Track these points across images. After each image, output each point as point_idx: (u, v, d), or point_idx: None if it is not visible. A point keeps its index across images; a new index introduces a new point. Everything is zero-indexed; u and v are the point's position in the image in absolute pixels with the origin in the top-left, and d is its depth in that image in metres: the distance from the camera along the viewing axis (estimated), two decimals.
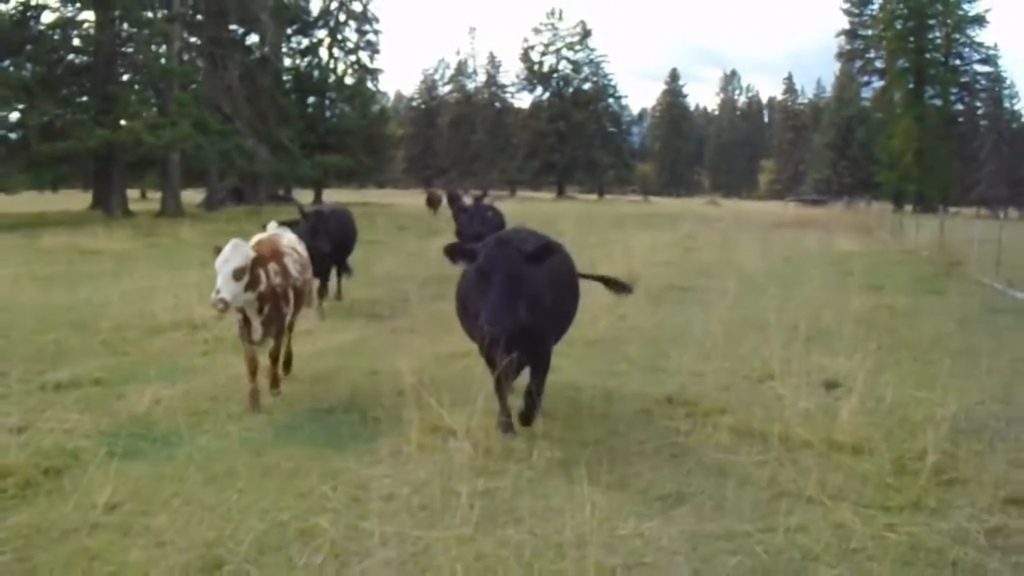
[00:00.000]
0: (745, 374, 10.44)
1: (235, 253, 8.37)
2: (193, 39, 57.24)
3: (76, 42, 49.94)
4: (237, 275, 8.30)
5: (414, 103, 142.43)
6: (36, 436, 7.66)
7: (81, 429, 8.03)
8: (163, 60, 50.00)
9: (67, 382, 9.84)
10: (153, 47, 50.72)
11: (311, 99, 75.81)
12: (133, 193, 65.12)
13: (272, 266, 9.04)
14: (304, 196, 71.03)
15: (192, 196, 62.37)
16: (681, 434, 8.07)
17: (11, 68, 47.67)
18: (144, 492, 6.48)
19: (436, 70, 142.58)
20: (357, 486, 6.39)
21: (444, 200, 44.28)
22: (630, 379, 10.34)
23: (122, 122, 46.38)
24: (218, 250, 8.51)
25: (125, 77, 51.84)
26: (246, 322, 8.93)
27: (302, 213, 14.89)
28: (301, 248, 10.38)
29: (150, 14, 49.57)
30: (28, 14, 48.97)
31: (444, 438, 7.48)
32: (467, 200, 24.46)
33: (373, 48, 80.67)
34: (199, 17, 57.85)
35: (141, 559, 5.33)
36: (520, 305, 7.07)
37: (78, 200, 60.83)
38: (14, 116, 47.31)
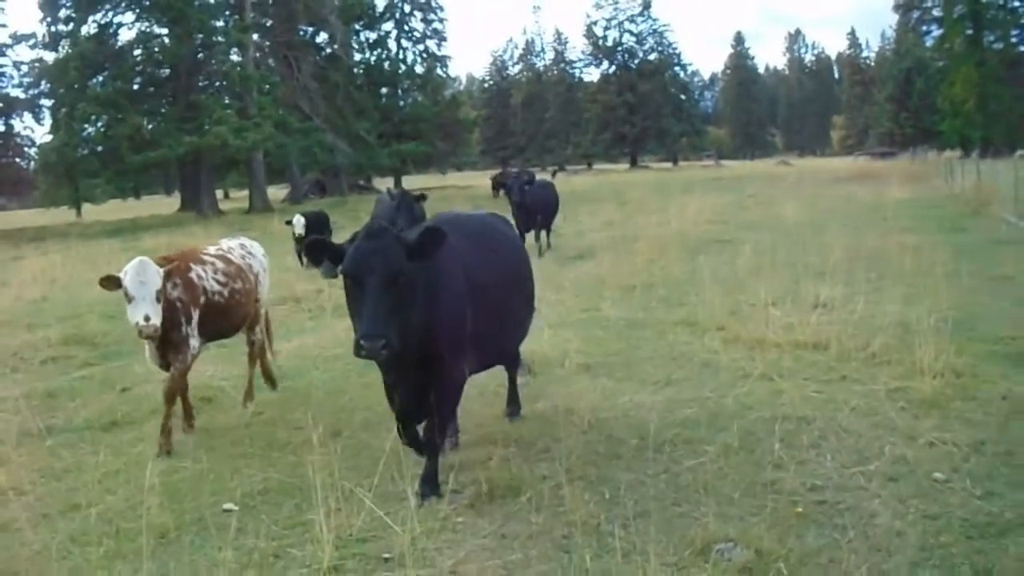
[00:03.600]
0: (752, 303, 12.42)
1: (148, 272, 7.50)
2: (265, 43, 60.32)
3: (156, 56, 52.99)
4: (159, 296, 7.53)
5: (486, 85, 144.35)
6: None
7: (220, 374, 10.54)
8: (239, 67, 52.92)
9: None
10: (230, 56, 53.78)
11: (384, 90, 78.09)
12: (217, 194, 68.37)
13: (171, 280, 7.94)
14: (384, 184, 74.00)
15: (275, 192, 65.50)
16: (683, 344, 10.37)
17: (99, 86, 50.95)
18: (280, 405, 8.96)
19: (505, 50, 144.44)
20: None
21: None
22: (655, 311, 12.61)
23: (206, 127, 49.40)
24: (114, 279, 7.57)
25: (203, 84, 55.03)
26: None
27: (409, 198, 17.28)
28: (239, 255, 9.23)
29: (220, 23, 52.50)
30: (105, 35, 52.35)
31: None
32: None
33: (440, 36, 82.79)
34: (269, 23, 60.81)
35: (285, 436, 7.80)
36: (411, 314, 5.77)
37: (163, 204, 64.30)
38: (101, 129, 50.58)
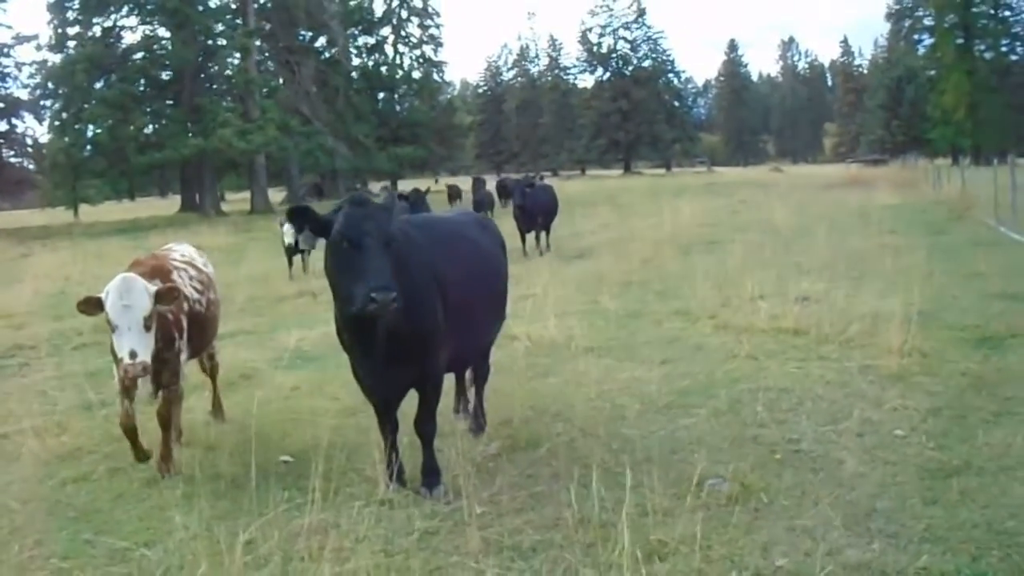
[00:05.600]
0: (741, 296, 13.42)
1: (134, 293, 6.24)
2: (266, 47, 61.44)
3: (161, 59, 53.94)
4: (148, 323, 6.30)
5: (480, 90, 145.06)
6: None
7: (253, 357, 11.48)
8: (242, 71, 53.93)
9: (227, 334, 13.04)
10: (233, 59, 54.85)
11: (381, 95, 79.13)
12: None
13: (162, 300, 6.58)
14: (380, 186, 74.99)
15: (272, 195, 66.39)
16: (677, 330, 11.43)
17: (106, 88, 51.87)
18: (312, 382, 9.92)
19: (499, 56, 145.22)
20: None
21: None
22: (651, 304, 13.65)
23: (211, 130, 50.34)
24: (93, 301, 6.37)
25: (205, 87, 56.02)
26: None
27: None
28: (202, 263, 8.17)
29: (221, 26, 53.50)
30: (110, 38, 53.30)
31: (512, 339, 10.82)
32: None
33: (436, 41, 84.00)
34: (269, 27, 61.92)
35: (321, 405, 8.79)
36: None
37: (160, 206, 65.11)
38: (107, 130, 51.40)
